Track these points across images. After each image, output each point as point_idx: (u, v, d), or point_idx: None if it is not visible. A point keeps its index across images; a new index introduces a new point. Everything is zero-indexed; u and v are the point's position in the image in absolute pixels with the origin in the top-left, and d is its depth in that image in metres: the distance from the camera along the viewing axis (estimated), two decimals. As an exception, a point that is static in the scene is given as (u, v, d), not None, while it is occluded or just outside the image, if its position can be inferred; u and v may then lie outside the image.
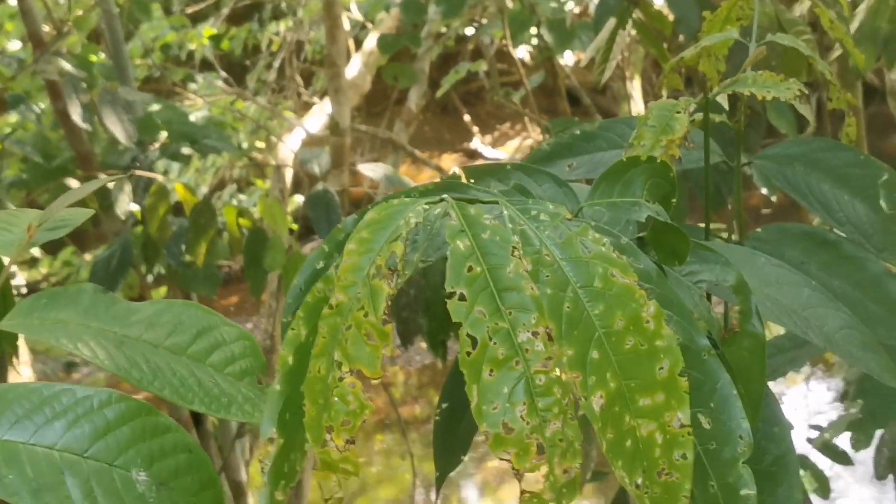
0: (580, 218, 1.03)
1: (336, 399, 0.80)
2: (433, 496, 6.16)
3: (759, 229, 1.33)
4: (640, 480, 0.83)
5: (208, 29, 7.65)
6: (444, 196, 0.85)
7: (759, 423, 1.12)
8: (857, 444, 2.64)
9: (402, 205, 0.85)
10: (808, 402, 6.40)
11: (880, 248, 1.31)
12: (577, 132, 1.40)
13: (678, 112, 1.16)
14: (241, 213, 3.15)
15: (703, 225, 1.30)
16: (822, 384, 6.55)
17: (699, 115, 1.25)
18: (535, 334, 0.80)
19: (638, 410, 0.83)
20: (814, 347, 1.81)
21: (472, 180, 1.12)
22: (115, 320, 1.01)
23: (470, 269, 0.81)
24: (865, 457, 2.80)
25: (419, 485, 5.56)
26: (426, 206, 0.85)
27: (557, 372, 0.80)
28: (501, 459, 0.78)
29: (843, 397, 3.58)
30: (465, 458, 1.29)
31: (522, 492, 0.78)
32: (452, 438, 1.27)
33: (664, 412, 0.83)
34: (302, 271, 0.98)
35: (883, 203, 1.31)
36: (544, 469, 0.78)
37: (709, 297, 1.14)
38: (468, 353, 0.79)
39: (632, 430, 0.83)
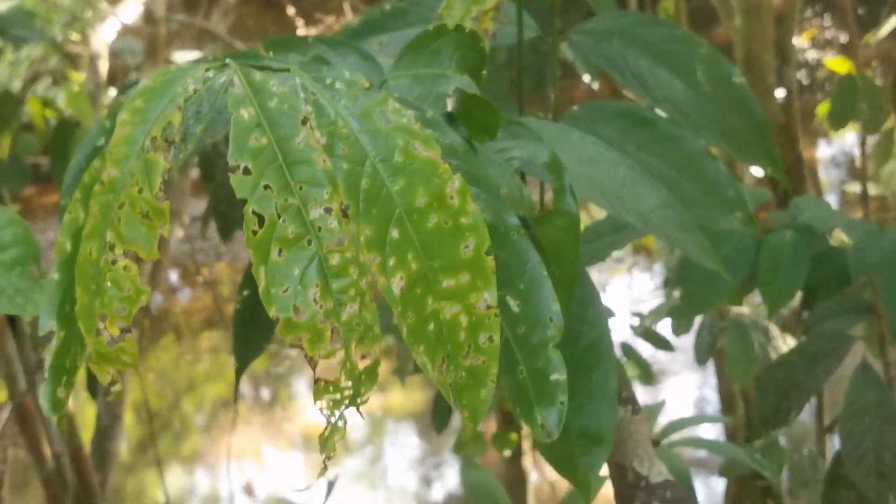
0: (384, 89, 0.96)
1: (109, 284, 0.73)
2: (261, 392, 6.13)
3: (574, 107, 1.28)
4: (443, 366, 0.78)
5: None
6: (228, 61, 0.77)
7: (574, 307, 1.08)
8: (678, 329, 2.66)
9: (181, 71, 0.77)
10: (631, 291, 6.50)
11: (698, 127, 1.27)
12: (388, 7, 1.34)
13: (489, -19, 1.10)
14: (47, 103, 2.99)
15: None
16: (644, 273, 6.65)
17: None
18: (328, 211, 0.73)
19: (441, 292, 0.78)
20: (633, 230, 1.79)
21: (272, 53, 1.04)
22: None
23: (255, 140, 0.74)
24: (687, 342, 2.83)
25: (245, 381, 5.49)
26: (208, 73, 0.77)
27: (354, 252, 0.74)
28: (293, 346, 0.72)
29: (665, 284, 3.62)
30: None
31: (317, 380, 0.73)
32: (254, 327, 1.21)
33: (469, 293, 0.78)
34: (81, 148, 0.90)
35: (700, 79, 1.27)
36: (340, 355, 0.73)
37: (523, 177, 1.09)
38: (254, 233, 0.72)
39: (434, 313, 0.78)
